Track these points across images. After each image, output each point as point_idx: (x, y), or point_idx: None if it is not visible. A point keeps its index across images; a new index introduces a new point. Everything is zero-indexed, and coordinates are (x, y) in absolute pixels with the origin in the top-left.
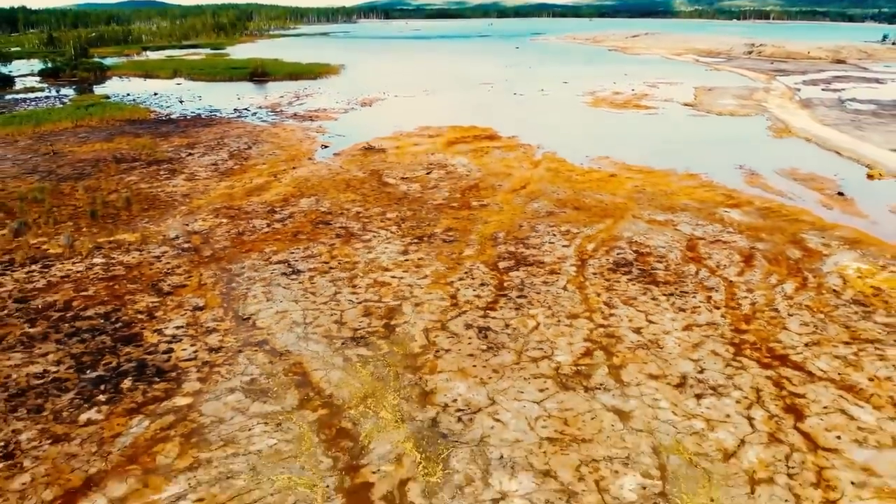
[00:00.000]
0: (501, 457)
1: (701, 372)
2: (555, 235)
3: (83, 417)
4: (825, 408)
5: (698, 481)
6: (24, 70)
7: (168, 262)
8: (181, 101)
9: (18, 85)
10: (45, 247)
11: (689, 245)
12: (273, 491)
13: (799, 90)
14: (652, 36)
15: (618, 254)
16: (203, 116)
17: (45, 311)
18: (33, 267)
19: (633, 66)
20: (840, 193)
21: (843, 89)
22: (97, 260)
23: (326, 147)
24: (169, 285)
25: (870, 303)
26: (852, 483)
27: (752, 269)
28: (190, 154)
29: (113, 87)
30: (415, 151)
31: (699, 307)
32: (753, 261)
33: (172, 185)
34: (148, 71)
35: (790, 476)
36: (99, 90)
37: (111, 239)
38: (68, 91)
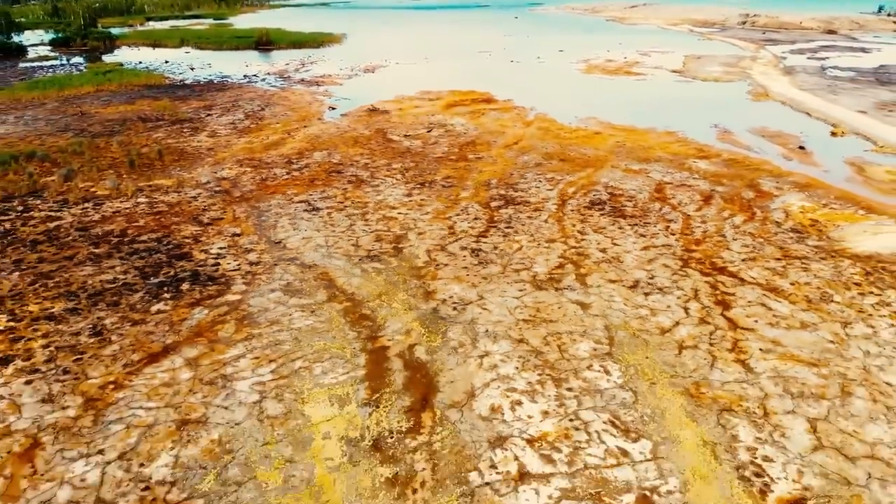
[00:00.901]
0: (486, 331)
1: (651, 278)
2: (541, 182)
3: (153, 308)
4: (749, 302)
5: (638, 347)
6: (34, 40)
7: (204, 201)
8: (192, 69)
9: (31, 54)
10: (93, 189)
11: (657, 188)
12: (312, 353)
13: (784, 58)
14: (650, 7)
15: (594, 195)
16: (215, 82)
17: (104, 237)
18: (86, 205)
19: (628, 36)
20: (801, 147)
21: (828, 58)
22: (141, 199)
23: (334, 109)
24: (208, 218)
25: (805, 231)
26: (760, 349)
27: (709, 206)
28: (209, 115)
29: (124, 56)
30: (416, 113)
31: (658, 234)
32: (711, 200)
33: (197, 141)
34: (155, 40)
35: (711, 344)
36: (111, 59)
37: (150, 183)
38: (80, 60)
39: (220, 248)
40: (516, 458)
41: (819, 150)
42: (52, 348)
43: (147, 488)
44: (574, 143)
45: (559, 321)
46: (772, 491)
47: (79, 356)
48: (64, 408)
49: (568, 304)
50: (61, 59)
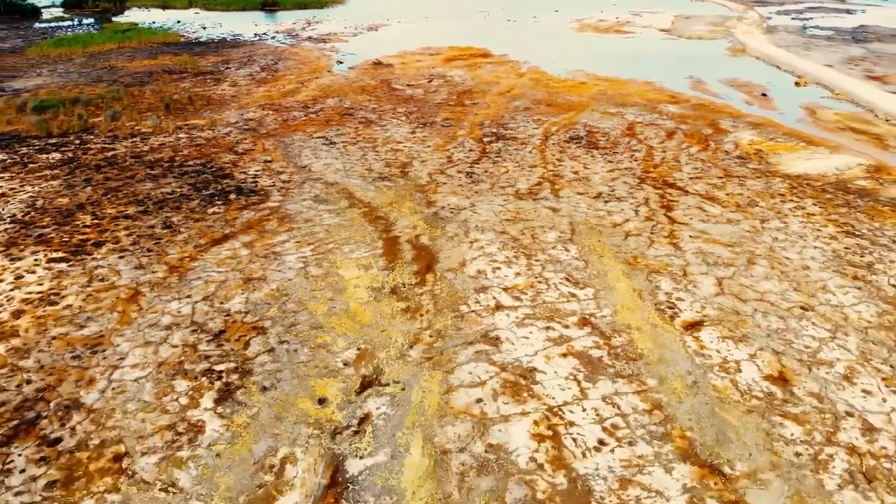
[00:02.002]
0: (476, 226)
1: (612, 191)
2: (528, 122)
3: (209, 211)
4: (689, 206)
5: (593, 234)
6: (45, 2)
7: (236, 137)
8: (204, 28)
9: (45, 15)
10: (137, 127)
11: (629, 127)
12: (340, 239)
13: (769, 19)
14: None
15: (573, 132)
16: (228, 40)
17: (156, 162)
18: (134, 139)
19: None
20: (764, 95)
21: (811, 18)
22: (181, 135)
23: (341, 63)
24: (241, 149)
25: (749, 158)
26: (689, 236)
27: (671, 139)
28: (227, 68)
29: (136, 17)
30: (417, 66)
31: (623, 160)
32: (674, 135)
33: (220, 90)
34: (164, 2)
35: (651, 233)
36: (122, 19)
37: (186, 122)
38: (92, 20)
39: (256, 171)
40: (494, 298)
41: (780, 96)
42: (134, 236)
43: (228, 315)
44: (561, 91)
45: (534, 220)
46: (679, 317)
47: (157, 241)
48: (153, 272)
49: (542, 209)
50: (74, 20)
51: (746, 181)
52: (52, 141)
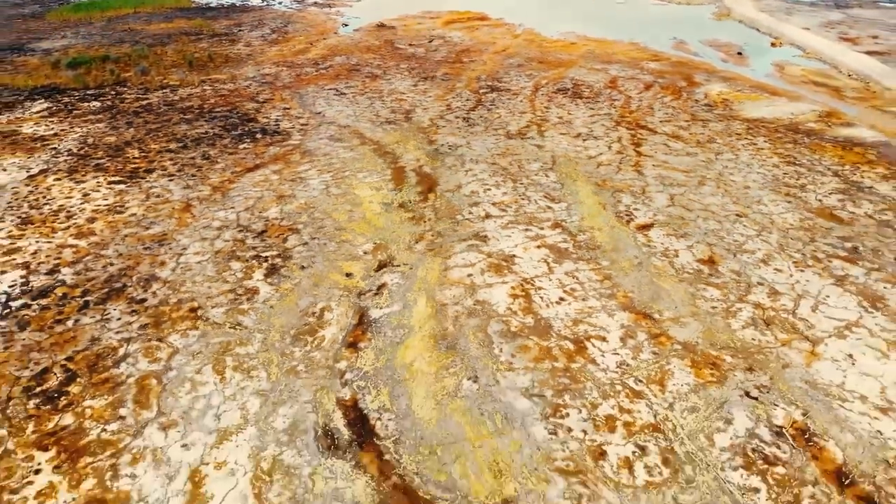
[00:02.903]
0: (471, 159)
1: (590, 132)
2: (521, 77)
3: (240, 147)
4: (655, 143)
5: (570, 164)
6: None
7: (256, 89)
8: None
9: None
10: (165, 81)
11: (612, 80)
12: (355, 168)
13: None
14: None
15: (561, 85)
16: (238, 5)
17: (188, 109)
18: (165, 90)
19: None
20: (739, 53)
21: None
22: (206, 87)
23: (346, 25)
24: (262, 98)
25: (716, 105)
26: (652, 165)
27: (648, 91)
28: (240, 30)
29: None
30: (418, 28)
31: (603, 107)
32: (651, 87)
33: (236, 49)
34: None
35: (620, 163)
36: None
37: (209, 77)
38: None
39: (277, 116)
40: (484, 210)
41: (755, 55)
42: (178, 165)
43: (267, 220)
44: (552, 50)
45: (521, 154)
46: (633, 221)
47: (199, 168)
48: (200, 191)
49: (528, 146)
50: None
51: (709, 124)
52: (90, 92)
